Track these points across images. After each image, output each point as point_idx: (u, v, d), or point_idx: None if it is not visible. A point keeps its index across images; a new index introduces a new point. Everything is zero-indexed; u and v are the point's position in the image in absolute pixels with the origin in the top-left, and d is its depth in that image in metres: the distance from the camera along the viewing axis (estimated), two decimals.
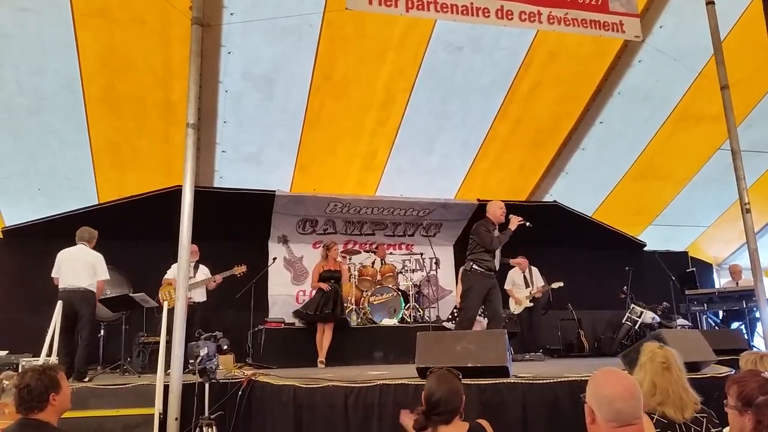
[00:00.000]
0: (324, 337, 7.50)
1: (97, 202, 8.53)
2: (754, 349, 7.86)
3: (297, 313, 7.93)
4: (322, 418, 4.52)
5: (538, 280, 9.04)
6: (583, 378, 4.30)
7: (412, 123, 8.60)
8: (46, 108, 7.44)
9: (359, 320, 8.51)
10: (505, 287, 9.02)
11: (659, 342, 3.04)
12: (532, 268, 9.13)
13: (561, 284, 8.94)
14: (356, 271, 9.14)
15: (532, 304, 8.89)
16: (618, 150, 9.65)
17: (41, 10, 6.44)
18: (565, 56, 8.10)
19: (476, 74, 8.17)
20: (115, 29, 6.83)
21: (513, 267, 9.07)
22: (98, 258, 6.47)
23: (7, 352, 7.02)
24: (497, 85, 8.37)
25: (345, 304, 8.15)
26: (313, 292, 8.03)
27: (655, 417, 2.69)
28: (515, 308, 9.01)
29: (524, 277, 9.06)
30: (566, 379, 4.52)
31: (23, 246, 8.48)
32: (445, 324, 8.46)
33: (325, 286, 7.67)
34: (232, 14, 6.76)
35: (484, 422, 2.89)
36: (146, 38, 6.96)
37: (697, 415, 2.71)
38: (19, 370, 4.84)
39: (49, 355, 5.70)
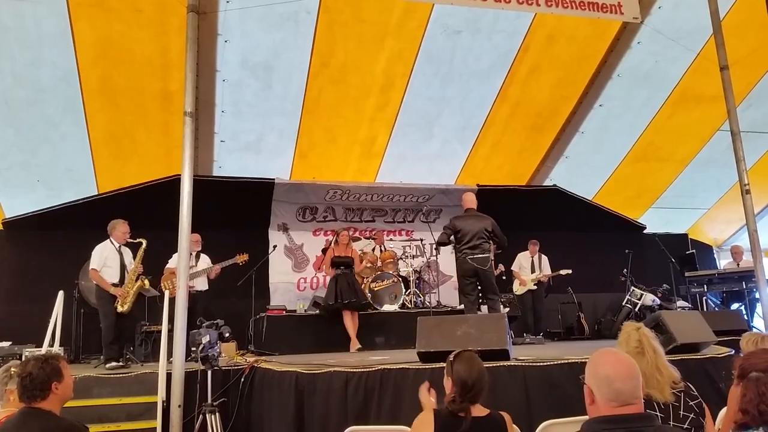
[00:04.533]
0: (352, 324, 7.58)
1: (96, 193, 8.52)
2: (754, 330, 7.89)
3: (318, 304, 7.89)
4: (324, 403, 4.55)
5: (546, 268, 9.17)
6: (583, 360, 4.32)
7: (411, 108, 8.58)
8: (44, 100, 7.42)
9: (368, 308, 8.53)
10: (512, 269, 9.21)
11: (638, 322, 3.05)
12: (542, 255, 9.25)
13: (569, 271, 9.09)
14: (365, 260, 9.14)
15: (536, 287, 9.03)
16: (618, 133, 9.63)
17: (38, 0, 6.40)
18: (563, 39, 8.05)
19: (475, 58, 8.13)
20: (112, 19, 6.79)
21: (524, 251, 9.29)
22: (94, 250, 6.51)
23: (10, 343, 7.06)
24: (496, 69, 8.33)
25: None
26: (319, 278, 8.04)
27: None
28: (518, 289, 9.13)
29: (532, 261, 9.20)
30: (566, 361, 4.55)
31: (24, 237, 8.50)
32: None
33: (332, 272, 7.74)
34: (228, 1, 6.71)
35: (506, 415, 2.92)
36: (143, 28, 6.93)
37: (674, 392, 2.75)
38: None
39: (51, 345, 5.73)
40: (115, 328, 6.30)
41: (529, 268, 9.16)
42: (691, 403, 2.73)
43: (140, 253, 6.60)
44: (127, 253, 6.68)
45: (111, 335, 6.24)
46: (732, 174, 7.09)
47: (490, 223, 7.00)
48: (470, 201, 7.24)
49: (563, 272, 9.11)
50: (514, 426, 3.45)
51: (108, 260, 6.47)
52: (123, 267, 6.55)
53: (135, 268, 6.53)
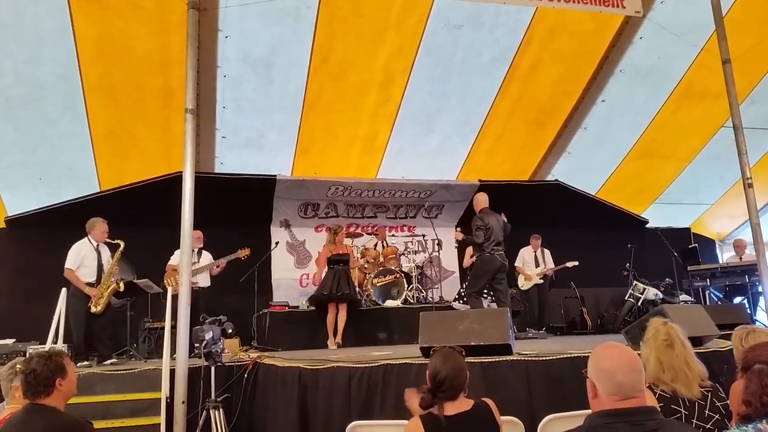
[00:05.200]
0: (339, 318, 7.55)
1: (98, 190, 8.53)
2: (757, 323, 7.89)
3: (313, 298, 7.89)
4: (327, 399, 4.57)
5: (549, 262, 9.13)
6: (586, 354, 4.32)
7: (412, 104, 8.56)
8: (44, 97, 7.41)
9: (363, 302, 8.55)
10: (515, 264, 9.14)
11: (664, 318, 3.03)
12: (544, 249, 9.22)
13: (576, 263, 9.04)
14: (359, 254, 9.18)
15: (542, 281, 9.00)
16: (620, 128, 9.59)
17: None
18: (565, 34, 8.02)
19: (476, 53, 8.10)
20: (112, 15, 6.77)
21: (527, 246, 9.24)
22: (71, 249, 6.51)
23: (14, 340, 7.08)
24: (497, 64, 8.30)
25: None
26: (321, 274, 8.03)
27: (658, 391, 2.70)
28: (524, 284, 9.09)
29: (535, 256, 9.16)
30: (569, 355, 4.55)
31: (26, 235, 8.52)
32: (453, 304, 8.49)
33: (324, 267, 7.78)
34: None
35: (489, 401, 2.92)
36: (143, 24, 6.91)
37: (702, 390, 2.72)
38: None
39: (55, 342, 5.74)
40: (85, 328, 6.25)
41: (533, 263, 9.13)
42: (718, 404, 2.69)
43: (117, 254, 6.57)
44: (106, 252, 6.66)
45: (81, 335, 6.21)
46: (735, 170, 7.07)
47: (504, 218, 7.36)
48: (485, 200, 7.48)
49: (569, 264, 9.06)
50: (515, 419, 3.48)
51: (85, 259, 6.47)
52: (100, 267, 6.51)
53: (111, 270, 6.50)
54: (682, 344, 2.81)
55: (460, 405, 2.81)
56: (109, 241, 6.63)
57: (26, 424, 2.70)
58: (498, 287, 7.21)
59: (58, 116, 7.65)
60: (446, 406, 2.78)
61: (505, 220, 7.39)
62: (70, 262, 6.39)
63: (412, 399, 3.12)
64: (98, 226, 6.61)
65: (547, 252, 9.22)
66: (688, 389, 2.69)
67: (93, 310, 6.25)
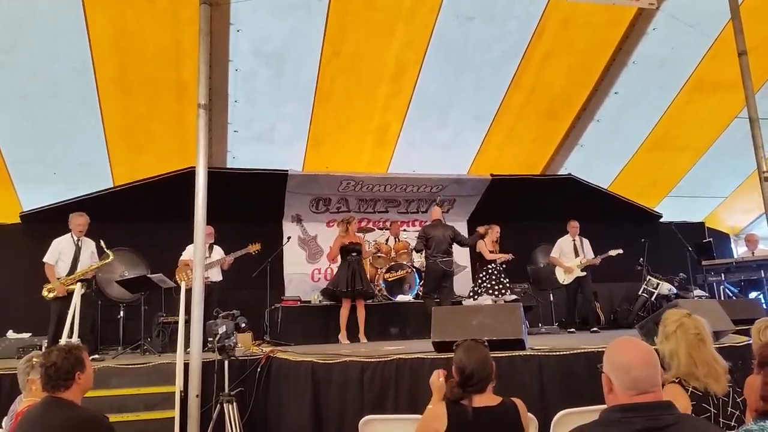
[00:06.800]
0: (358, 314, 7.57)
1: (112, 186, 8.59)
2: None
3: (326, 291, 7.89)
4: (340, 393, 4.58)
5: (589, 252, 8.57)
6: (600, 349, 4.31)
7: (423, 96, 8.52)
8: (60, 93, 7.46)
9: (377, 296, 8.55)
10: (552, 255, 8.78)
11: (683, 309, 2.91)
12: (583, 238, 8.68)
13: (620, 251, 8.54)
14: (370, 249, 9.17)
15: (584, 273, 8.46)
16: (633, 120, 9.52)
17: None
18: (578, 25, 7.96)
19: (488, 45, 8.05)
20: (126, 10, 6.81)
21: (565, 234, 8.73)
22: (52, 243, 6.60)
23: (30, 334, 7.16)
24: (509, 56, 8.25)
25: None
26: (333, 268, 8.04)
27: (690, 389, 2.59)
28: (564, 278, 8.57)
29: (574, 245, 8.59)
30: (582, 350, 4.53)
31: (42, 230, 8.56)
32: (463, 301, 8.48)
33: (338, 259, 7.78)
34: None
35: (519, 401, 2.88)
36: (156, 19, 6.94)
37: (727, 384, 2.62)
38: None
39: (70, 336, 5.80)
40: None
41: (572, 253, 8.54)
42: (739, 399, 2.60)
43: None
44: (88, 248, 6.69)
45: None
46: (750, 162, 7.00)
47: (452, 231, 8.07)
48: (437, 213, 8.29)
49: (613, 253, 8.51)
50: (529, 414, 3.47)
51: (62, 254, 6.54)
52: (75, 261, 6.54)
53: (85, 271, 6.51)
54: (710, 338, 2.73)
55: (488, 399, 2.81)
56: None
57: (45, 417, 2.73)
58: (443, 290, 7.89)
59: (73, 112, 7.71)
60: (475, 399, 2.78)
61: (451, 236, 8.00)
62: (47, 257, 6.50)
63: (437, 378, 3.08)
64: (73, 219, 6.67)
65: (585, 241, 8.65)
66: (719, 384, 2.59)
67: (44, 293, 6.33)
